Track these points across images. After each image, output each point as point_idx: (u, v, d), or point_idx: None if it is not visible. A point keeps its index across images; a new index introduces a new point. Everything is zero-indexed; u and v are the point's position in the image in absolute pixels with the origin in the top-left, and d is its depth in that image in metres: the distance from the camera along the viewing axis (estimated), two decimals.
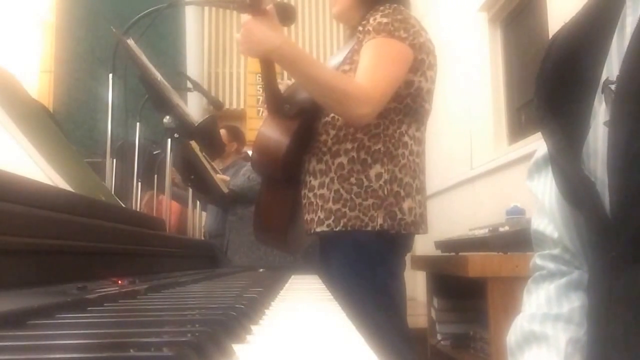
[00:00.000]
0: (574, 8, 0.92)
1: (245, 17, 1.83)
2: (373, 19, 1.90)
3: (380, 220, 1.85)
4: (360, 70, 1.85)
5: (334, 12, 2.13)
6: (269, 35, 1.79)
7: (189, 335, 0.42)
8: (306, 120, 1.98)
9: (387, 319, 1.87)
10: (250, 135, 4.56)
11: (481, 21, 4.14)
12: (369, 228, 1.86)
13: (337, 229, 1.88)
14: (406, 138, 1.92)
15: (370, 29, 1.88)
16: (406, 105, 1.92)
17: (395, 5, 1.95)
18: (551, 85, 0.88)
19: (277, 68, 1.96)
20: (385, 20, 1.88)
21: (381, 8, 1.92)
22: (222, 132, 4.33)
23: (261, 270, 1.95)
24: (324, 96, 1.82)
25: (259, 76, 6.10)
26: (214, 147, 3.12)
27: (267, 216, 2.07)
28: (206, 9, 6.85)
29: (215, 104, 3.49)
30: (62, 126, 3.78)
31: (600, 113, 0.80)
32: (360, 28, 1.93)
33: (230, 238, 3.90)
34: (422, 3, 5.27)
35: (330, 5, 2.16)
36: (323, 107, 1.91)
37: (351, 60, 1.93)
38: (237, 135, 4.46)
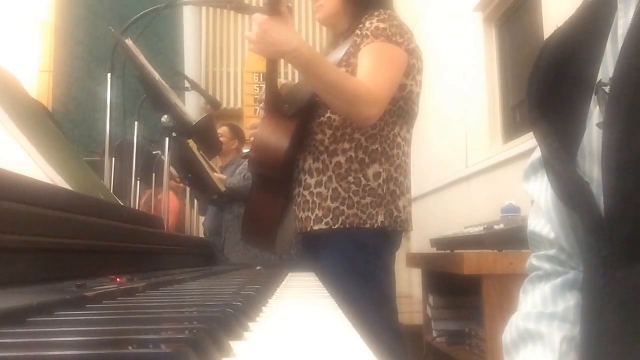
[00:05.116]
0: (569, 6, 0.92)
1: (257, 17, 1.82)
2: (369, 23, 1.92)
3: (381, 218, 1.89)
4: (362, 72, 1.86)
5: (319, 17, 2.13)
6: (287, 37, 1.79)
7: (186, 332, 0.43)
8: (303, 120, 1.99)
9: (381, 315, 1.90)
10: (247, 134, 4.55)
11: (476, 21, 4.14)
12: (368, 225, 1.89)
13: (335, 227, 1.91)
14: (399, 139, 1.97)
15: (368, 33, 1.90)
16: (399, 107, 1.96)
17: (390, 11, 1.98)
18: (544, 87, 0.88)
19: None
20: (382, 25, 1.90)
21: (376, 13, 1.95)
22: (224, 129, 4.35)
23: (258, 267, 1.96)
24: (335, 97, 1.84)
25: (257, 75, 6.11)
26: (211, 145, 3.12)
27: (259, 216, 2.07)
28: (203, 8, 6.83)
29: (212, 103, 3.49)
30: (61, 125, 3.79)
31: (595, 114, 0.81)
32: (358, 32, 1.94)
33: (226, 236, 3.91)
34: (418, 3, 5.27)
35: (314, 10, 2.15)
36: (332, 108, 1.92)
37: (347, 63, 1.95)
38: (238, 134, 4.47)
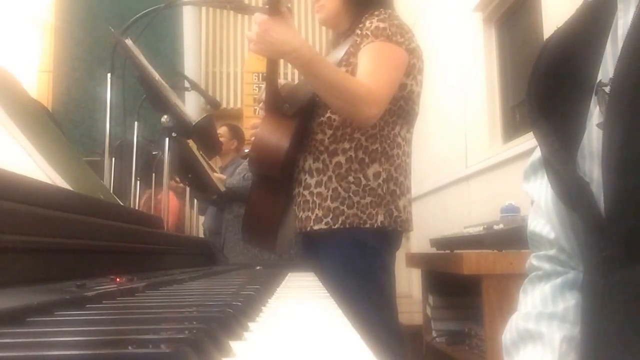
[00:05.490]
0: (569, 7, 0.92)
1: (257, 17, 1.82)
2: (370, 22, 1.92)
3: (380, 218, 1.88)
4: (362, 72, 1.86)
5: (321, 18, 2.13)
6: (288, 37, 1.80)
7: (186, 332, 0.42)
8: (303, 120, 1.99)
9: (381, 315, 1.90)
10: (247, 134, 4.57)
11: (476, 21, 4.14)
12: (367, 225, 1.89)
13: (335, 227, 1.91)
14: (399, 139, 1.97)
15: (369, 32, 1.90)
16: (399, 107, 1.96)
17: (390, 10, 1.98)
18: (544, 87, 0.88)
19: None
20: (382, 25, 1.90)
21: (376, 13, 1.95)
22: (224, 129, 4.35)
23: (258, 267, 1.96)
24: (335, 97, 1.84)
25: (257, 75, 6.10)
26: (211, 146, 3.12)
27: (259, 215, 2.07)
28: (203, 9, 6.84)
29: (212, 104, 3.50)
30: (61, 125, 3.78)
31: (595, 115, 0.81)
32: (358, 31, 1.94)
33: (226, 236, 3.91)
34: (417, 3, 5.27)
35: (316, 11, 2.15)
36: (332, 108, 1.92)
37: (347, 62, 1.95)
38: (238, 134, 4.48)
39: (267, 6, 1.80)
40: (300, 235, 2.08)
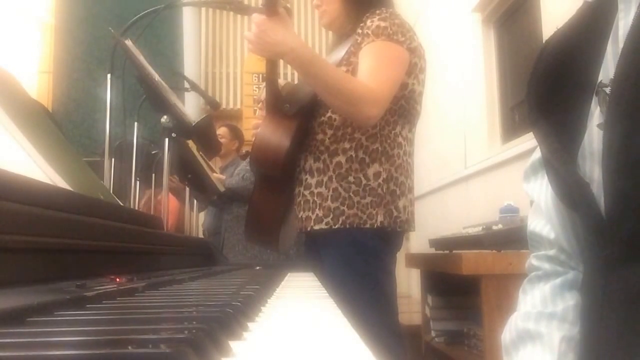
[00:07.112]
0: (568, 8, 0.92)
1: (255, 17, 1.83)
2: (370, 21, 1.92)
3: (380, 218, 1.88)
4: (363, 72, 1.86)
5: (324, 22, 2.14)
6: (285, 37, 1.80)
7: (186, 332, 0.42)
8: (304, 120, 1.99)
9: (380, 315, 1.90)
10: (246, 134, 4.58)
11: (475, 21, 4.14)
12: (367, 226, 1.89)
13: (335, 227, 1.91)
14: (400, 139, 1.96)
15: (369, 32, 1.90)
16: (400, 106, 1.96)
17: (391, 9, 1.98)
18: (544, 88, 0.88)
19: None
20: (383, 24, 1.90)
21: (377, 12, 1.95)
22: (224, 130, 4.35)
23: (257, 268, 1.96)
24: (335, 97, 1.84)
25: (256, 76, 6.10)
26: (210, 146, 3.12)
27: (261, 215, 2.07)
28: (203, 9, 6.84)
29: (212, 104, 3.50)
30: (61, 126, 3.79)
31: (595, 115, 0.81)
32: (359, 30, 1.95)
33: (226, 236, 3.91)
34: (417, 3, 5.27)
35: (320, 17, 2.16)
36: (332, 108, 1.92)
37: (348, 62, 1.95)
38: (237, 134, 4.48)
39: (262, 7, 1.80)
40: (303, 235, 2.08)
